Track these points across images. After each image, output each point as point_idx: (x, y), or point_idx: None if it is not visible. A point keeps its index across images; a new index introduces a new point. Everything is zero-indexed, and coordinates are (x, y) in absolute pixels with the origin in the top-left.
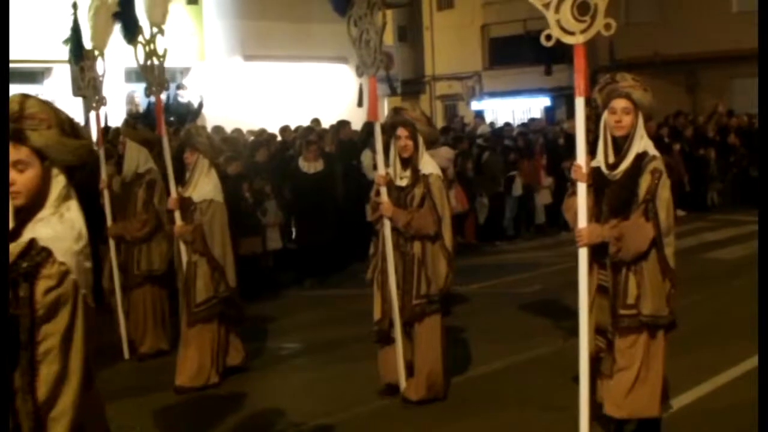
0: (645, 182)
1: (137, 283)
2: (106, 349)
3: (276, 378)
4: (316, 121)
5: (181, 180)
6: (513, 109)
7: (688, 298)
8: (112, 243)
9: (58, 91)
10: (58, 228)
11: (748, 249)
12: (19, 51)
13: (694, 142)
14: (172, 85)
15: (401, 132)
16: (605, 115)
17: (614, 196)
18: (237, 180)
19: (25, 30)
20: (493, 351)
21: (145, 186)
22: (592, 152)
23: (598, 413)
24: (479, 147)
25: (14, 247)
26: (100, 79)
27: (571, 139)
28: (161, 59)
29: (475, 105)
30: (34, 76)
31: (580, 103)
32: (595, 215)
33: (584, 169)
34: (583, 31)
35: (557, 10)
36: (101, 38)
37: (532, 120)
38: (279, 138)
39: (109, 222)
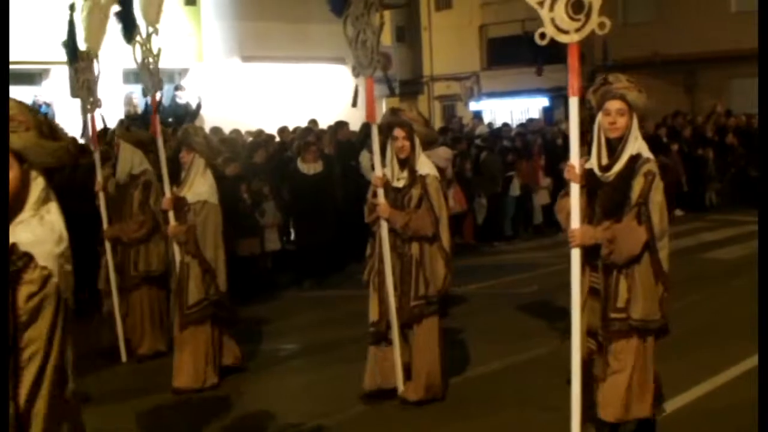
0: (638, 185)
1: (135, 284)
2: (105, 351)
3: (274, 379)
4: (313, 122)
5: (177, 180)
6: (511, 109)
7: (686, 298)
8: (108, 245)
9: (56, 92)
10: (38, 231)
11: (746, 249)
12: (16, 52)
13: (692, 142)
14: (170, 86)
15: (398, 133)
16: (599, 117)
17: (607, 198)
18: (235, 181)
19: (23, 31)
20: (492, 351)
21: (140, 187)
22: (590, 153)
23: (593, 415)
24: (477, 147)
25: None
26: (95, 80)
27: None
28: (156, 59)
29: (474, 105)
30: (32, 77)
31: (573, 103)
32: (588, 217)
33: (577, 170)
34: (577, 30)
35: (551, 8)
36: (95, 39)
37: (530, 120)
38: (277, 139)
39: (104, 224)
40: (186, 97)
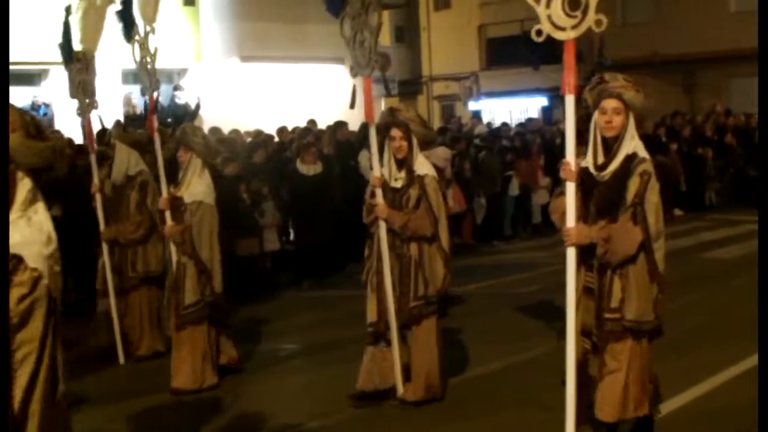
0: (633, 185)
1: (133, 285)
2: (103, 351)
3: (274, 379)
4: (312, 122)
5: (175, 180)
6: (510, 109)
7: (686, 297)
8: (105, 246)
9: (55, 92)
10: (26, 232)
11: (745, 248)
12: (16, 53)
13: (691, 142)
14: (169, 87)
15: (395, 133)
16: (596, 115)
17: (602, 198)
18: (234, 181)
19: (21, 32)
20: (491, 352)
21: (137, 188)
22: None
23: (590, 416)
24: (476, 147)
25: None
26: (91, 81)
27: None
28: (153, 58)
29: (473, 105)
30: (31, 78)
31: (569, 101)
32: (582, 216)
33: (573, 167)
34: (573, 27)
35: (548, 5)
36: (91, 40)
37: (529, 120)
38: (276, 139)
39: (101, 226)
40: (185, 98)
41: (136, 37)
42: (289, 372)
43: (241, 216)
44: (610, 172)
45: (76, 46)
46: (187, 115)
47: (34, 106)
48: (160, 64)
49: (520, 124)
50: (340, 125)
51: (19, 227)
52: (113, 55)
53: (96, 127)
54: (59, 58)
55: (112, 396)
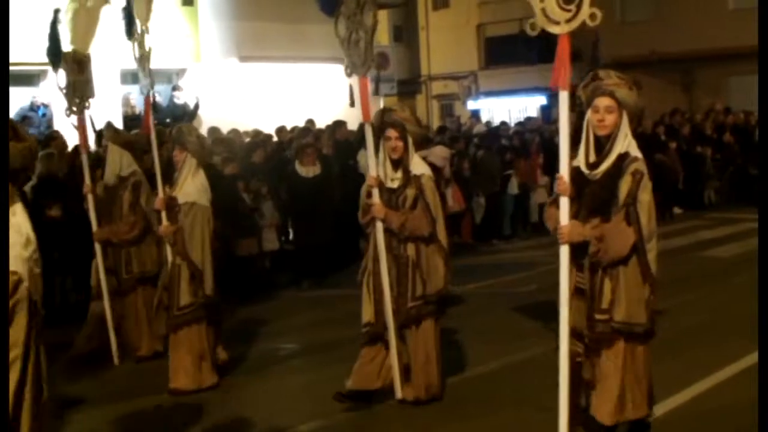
0: (625, 185)
1: (129, 286)
2: (101, 353)
3: (273, 379)
4: (311, 122)
5: (170, 180)
6: (509, 108)
7: (685, 296)
8: (98, 247)
9: (54, 93)
10: None
11: (745, 247)
12: (15, 54)
13: (690, 141)
14: (167, 87)
15: (391, 133)
16: (588, 113)
17: (593, 197)
18: (232, 181)
19: (21, 33)
20: (490, 351)
21: (130, 188)
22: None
23: (583, 418)
24: (475, 146)
25: None
26: (83, 81)
27: (571, 138)
28: (147, 55)
29: (472, 104)
30: (30, 78)
31: (563, 98)
32: (574, 215)
33: (567, 180)
34: (568, 21)
35: None
36: (83, 41)
37: (528, 119)
38: (275, 139)
39: (93, 226)
40: (183, 98)
41: (136, 36)
42: (289, 372)
43: (240, 216)
44: (602, 171)
45: (67, 46)
46: (185, 115)
47: (33, 107)
48: (159, 65)
49: (519, 123)
50: (339, 125)
51: None
52: (112, 56)
53: (87, 128)
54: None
55: (112, 397)
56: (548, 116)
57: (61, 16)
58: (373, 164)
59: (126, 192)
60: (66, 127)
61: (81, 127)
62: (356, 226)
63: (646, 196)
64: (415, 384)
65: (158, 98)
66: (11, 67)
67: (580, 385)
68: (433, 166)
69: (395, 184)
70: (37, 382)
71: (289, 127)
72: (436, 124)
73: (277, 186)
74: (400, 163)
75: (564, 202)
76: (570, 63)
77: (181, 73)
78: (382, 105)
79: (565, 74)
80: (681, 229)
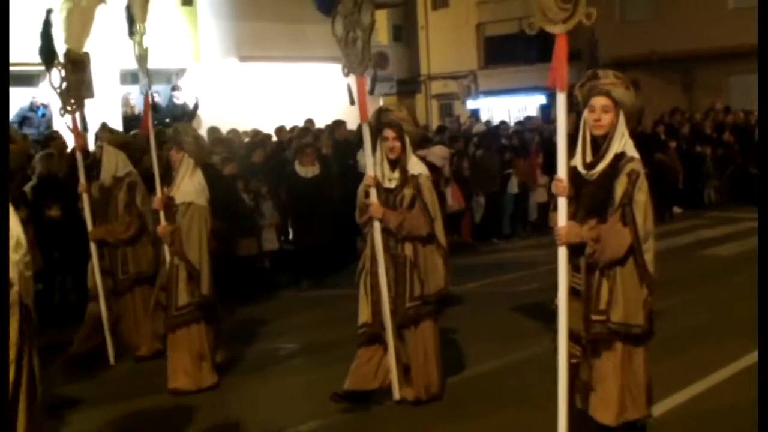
0: (621, 185)
1: (126, 286)
2: (100, 353)
3: (273, 379)
4: (310, 122)
5: (169, 180)
6: (509, 107)
7: (685, 295)
8: (94, 247)
9: (53, 94)
10: None
11: (745, 246)
12: (15, 54)
13: (690, 140)
14: (167, 87)
15: (388, 133)
16: (585, 113)
17: (590, 197)
18: (233, 181)
19: (20, 33)
20: (490, 351)
21: (125, 188)
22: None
23: (582, 419)
24: (475, 146)
25: None
26: (79, 81)
27: (571, 139)
28: (145, 56)
29: (471, 104)
30: (30, 79)
31: (561, 99)
32: (571, 215)
33: (565, 183)
34: (565, 20)
35: None
36: (77, 40)
37: (527, 118)
38: (275, 139)
39: (89, 226)
40: (183, 98)
41: (135, 35)
42: (289, 372)
43: (240, 216)
44: (598, 171)
45: (62, 46)
46: (185, 115)
47: (33, 107)
48: (158, 65)
49: (519, 123)
50: (339, 124)
51: None
52: (111, 56)
53: (80, 127)
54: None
55: (111, 397)
56: (548, 115)
57: (53, 15)
58: (371, 164)
59: (121, 192)
60: (66, 128)
61: (75, 128)
62: (356, 226)
63: (642, 197)
64: (414, 384)
65: (158, 98)
66: (11, 68)
67: (575, 386)
68: (432, 166)
69: (393, 184)
70: (31, 383)
71: (288, 127)
72: (435, 123)
73: (277, 186)
74: (397, 163)
75: (562, 203)
76: (568, 63)
77: (180, 73)
78: (381, 104)
79: (562, 74)
80: (681, 228)
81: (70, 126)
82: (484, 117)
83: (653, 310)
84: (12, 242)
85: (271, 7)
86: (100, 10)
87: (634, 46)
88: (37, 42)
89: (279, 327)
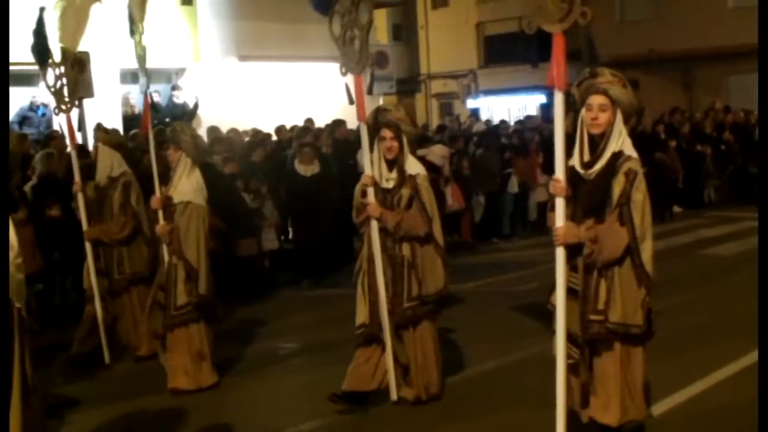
0: (619, 184)
1: (122, 287)
2: (100, 353)
3: (273, 378)
4: (309, 121)
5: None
6: (509, 106)
7: (685, 295)
8: (89, 247)
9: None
10: None
11: (745, 245)
12: (15, 53)
13: (690, 139)
14: (167, 86)
15: (386, 133)
16: (582, 112)
17: (588, 197)
18: (233, 180)
19: (20, 33)
20: (490, 350)
21: (120, 188)
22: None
23: (583, 419)
24: (475, 145)
25: None
26: (79, 79)
27: (569, 138)
28: (144, 56)
29: (471, 103)
30: (30, 78)
31: (558, 99)
32: (569, 215)
33: (563, 183)
34: (561, 20)
35: None
36: (72, 39)
37: (527, 117)
38: (275, 138)
39: (84, 226)
40: (183, 97)
41: (135, 35)
42: (289, 371)
43: (240, 216)
44: (596, 170)
45: (56, 44)
46: (185, 115)
47: (33, 107)
48: (158, 64)
49: (519, 122)
50: (339, 124)
51: None
52: (111, 55)
53: (74, 126)
54: (57, 58)
55: (111, 397)
56: (548, 115)
57: (47, 13)
58: (368, 163)
59: (116, 192)
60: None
61: (69, 127)
62: (355, 225)
63: (639, 196)
64: (414, 384)
65: (157, 98)
66: (11, 67)
67: (572, 387)
68: (432, 165)
69: (390, 184)
70: (24, 385)
71: (288, 127)
72: (435, 123)
73: (277, 185)
74: (395, 163)
75: (559, 204)
76: (568, 62)
77: (180, 72)
78: (381, 104)
79: (559, 73)
80: (681, 227)
81: (65, 125)
82: (484, 116)
83: (652, 310)
84: None
85: (270, 6)
86: (95, 9)
87: (633, 46)
88: (31, 40)
89: (279, 326)
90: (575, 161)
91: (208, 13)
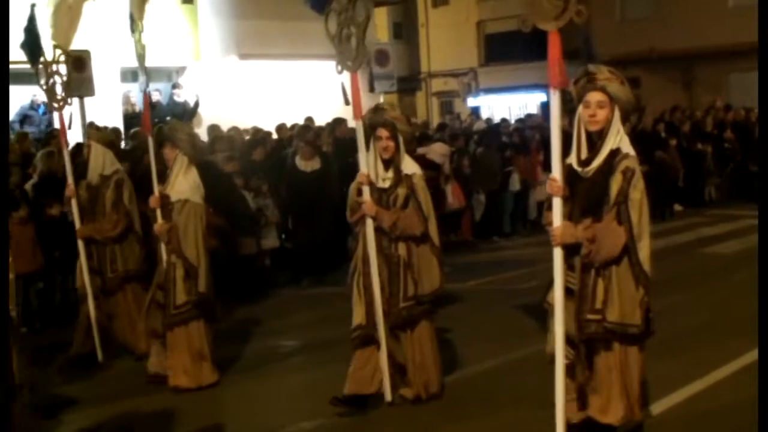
0: (616, 183)
1: (116, 284)
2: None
3: (273, 377)
4: (309, 120)
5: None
6: (509, 105)
7: (685, 293)
8: (81, 245)
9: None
10: None
11: (745, 244)
12: (15, 52)
13: (691, 137)
14: (168, 85)
15: (382, 132)
16: (580, 109)
17: (586, 195)
18: (234, 179)
19: (19, 32)
20: (490, 349)
21: (113, 186)
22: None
23: (582, 418)
24: (475, 143)
25: None
26: (64, 78)
27: (567, 136)
28: (143, 55)
29: (472, 101)
30: (30, 77)
31: (555, 97)
32: (567, 213)
33: (560, 183)
34: (556, 18)
35: None
36: (64, 36)
37: (528, 116)
38: (275, 136)
39: (77, 224)
40: (184, 96)
41: (135, 34)
42: (289, 370)
43: (241, 215)
44: (594, 168)
45: (48, 41)
46: (186, 113)
47: (34, 106)
48: (159, 63)
49: (519, 120)
50: (339, 122)
51: None
52: (112, 53)
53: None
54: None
55: (111, 396)
56: (548, 113)
57: (38, 10)
58: (364, 162)
59: (109, 191)
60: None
61: (62, 125)
62: (350, 225)
63: (637, 194)
64: (413, 383)
65: (158, 96)
66: (11, 66)
67: (568, 389)
68: (432, 163)
69: (386, 184)
70: (9, 391)
71: (289, 125)
72: (436, 121)
73: (277, 183)
74: (391, 163)
75: (557, 203)
76: (567, 61)
77: (181, 71)
78: (381, 102)
79: (555, 72)
80: (681, 226)
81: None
82: (484, 114)
83: (651, 309)
84: None
85: (271, 5)
86: (89, 7)
87: (634, 45)
88: (22, 37)
89: (279, 325)
90: (572, 159)
91: (209, 12)
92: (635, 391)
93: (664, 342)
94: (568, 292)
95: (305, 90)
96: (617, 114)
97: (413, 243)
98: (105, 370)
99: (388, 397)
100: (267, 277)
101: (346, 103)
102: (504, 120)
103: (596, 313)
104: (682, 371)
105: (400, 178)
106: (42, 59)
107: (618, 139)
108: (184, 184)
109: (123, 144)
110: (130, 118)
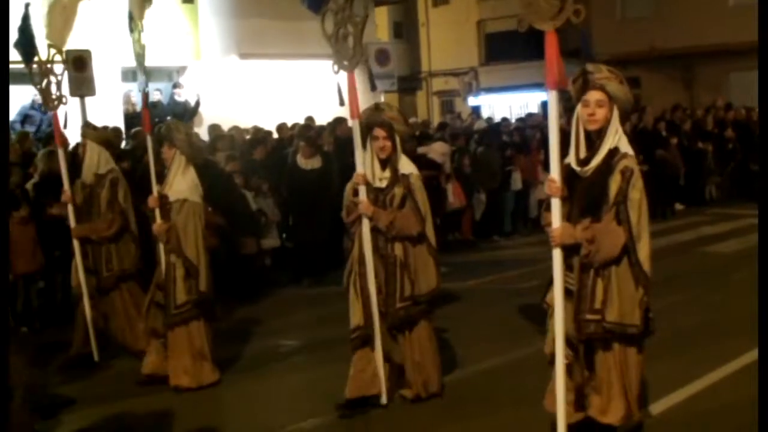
0: (615, 183)
1: (111, 283)
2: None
3: (274, 377)
4: (310, 119)
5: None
6: (510, 104)
7: (685, 292)
8: (77, 245)
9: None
10: None
11: (746, 243)
12: (15, 53)
13: (692, 136)
14: (168, 84)
15: (378, 132)
16: (578, 108)
17: (584, 194)
18: (234, 179)
19: (13, 31)
20: (490, 348)
21: (108, 185)
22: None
23: (581, 418)
24: (476, 143)
25: None
26: (59, 77)
27: (567, 136)
28: (142, 54)
29: (472, 101)
30: (30, 76)
31: (552, 98)
32: (566, 213)
33: (558, 183)
34: (553, 17)
35: None
36: (59, 36)
37: (529, 115)
38: (276, 136)
39: (72, 223)
40: (184, 95)
41: (134, 33)
42: (289, 369)
43: (241, 215)
44: (592, 167)
45: (42, 41)
46: (186, 113)
47: (34, 105)
48: (159, 62)
49: (520, 119)
50: (340, 122)
51: None
52: (113, 53)
53: (61, 124)
54: (57, 57)
55: (111, 395)
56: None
57: (32, 9)
58: (360, 161)
59: (104, 190)
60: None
61: (56, 125)
62: (346, 225)
63: (636, 194)
64: (413, 383)
65: (159, 96)
66: (12, 66)
67: (570, 389)
68: (433, 163)
69: (383, 184)
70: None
71: (289, 124)
72: (436, 120)
73: (278, 183)
74: (387, 163)
75: (555, 204)
76: (567, 61)
77: (181, 70)
78: (381, 101)
79: (553, 72)
80: (682, 224)
81: (63, 123)
82: (485, 114)
83: (651, 309)
84: None
85: (271, 4)
86: (85, 6)
87: (634, 44)
88: (15, 36)
89: (279, 324)
90: (571, 158)
91: (209, 11)
92: (635, 391)
93: (664, 342)
94: (567, 292)
95: (306, 89)
96: (616, 113)
97: (410, 243)
98: (104, 370)
99: (384, 399)
100: (267, 277)
101: (341, 103)
102: (504, 119)
103: (595, 313)
104: (682, 371)
105: (396, 178)
106: (36, 59)
107: (617, 138)
108: (182, 183)
109: (124, 144)
110: (131, 118)
